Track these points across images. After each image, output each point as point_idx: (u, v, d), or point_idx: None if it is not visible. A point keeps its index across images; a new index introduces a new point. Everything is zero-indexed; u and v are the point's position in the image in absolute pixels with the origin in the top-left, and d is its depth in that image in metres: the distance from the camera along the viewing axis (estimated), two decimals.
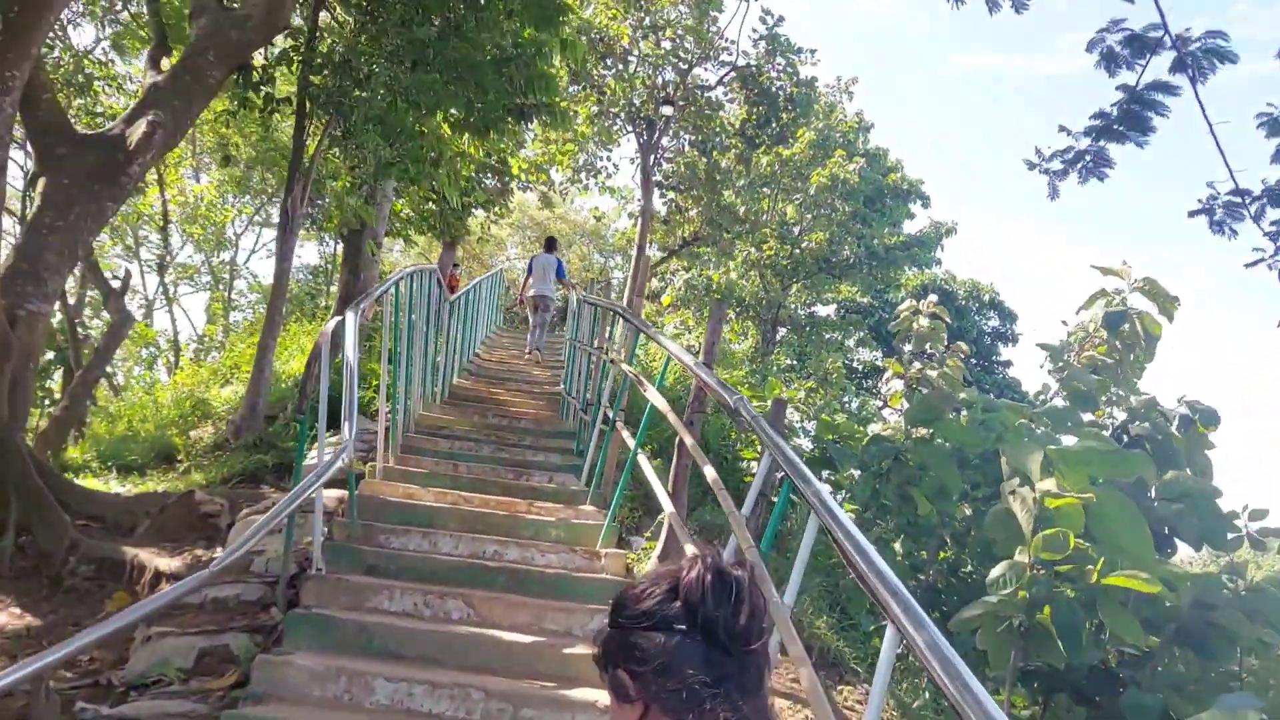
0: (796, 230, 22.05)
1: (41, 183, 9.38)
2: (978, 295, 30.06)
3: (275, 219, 23.01)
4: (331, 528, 6.44)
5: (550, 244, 16.15)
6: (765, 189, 21.05)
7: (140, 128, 9.60)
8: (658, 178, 20.64)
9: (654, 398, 6.30)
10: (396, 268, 35.71)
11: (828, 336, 24.06)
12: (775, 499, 5.18)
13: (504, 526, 6.84)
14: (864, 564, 2.94)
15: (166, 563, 7.49)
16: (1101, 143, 10.55)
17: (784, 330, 24.66)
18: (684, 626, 1.21)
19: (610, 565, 6.41)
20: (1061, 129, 9.72)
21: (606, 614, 1.33)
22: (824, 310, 27.33)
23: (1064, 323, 14.06)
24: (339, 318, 6.79)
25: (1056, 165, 10.57)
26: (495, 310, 20.01)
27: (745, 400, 4.96)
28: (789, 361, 24.82)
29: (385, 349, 8.10)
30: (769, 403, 8.46)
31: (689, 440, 5.85)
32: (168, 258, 22.59)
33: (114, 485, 9.86)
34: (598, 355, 9.46)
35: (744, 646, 1.22)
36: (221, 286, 25.02)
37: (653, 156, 20.42)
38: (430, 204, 19.32)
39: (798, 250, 22.44)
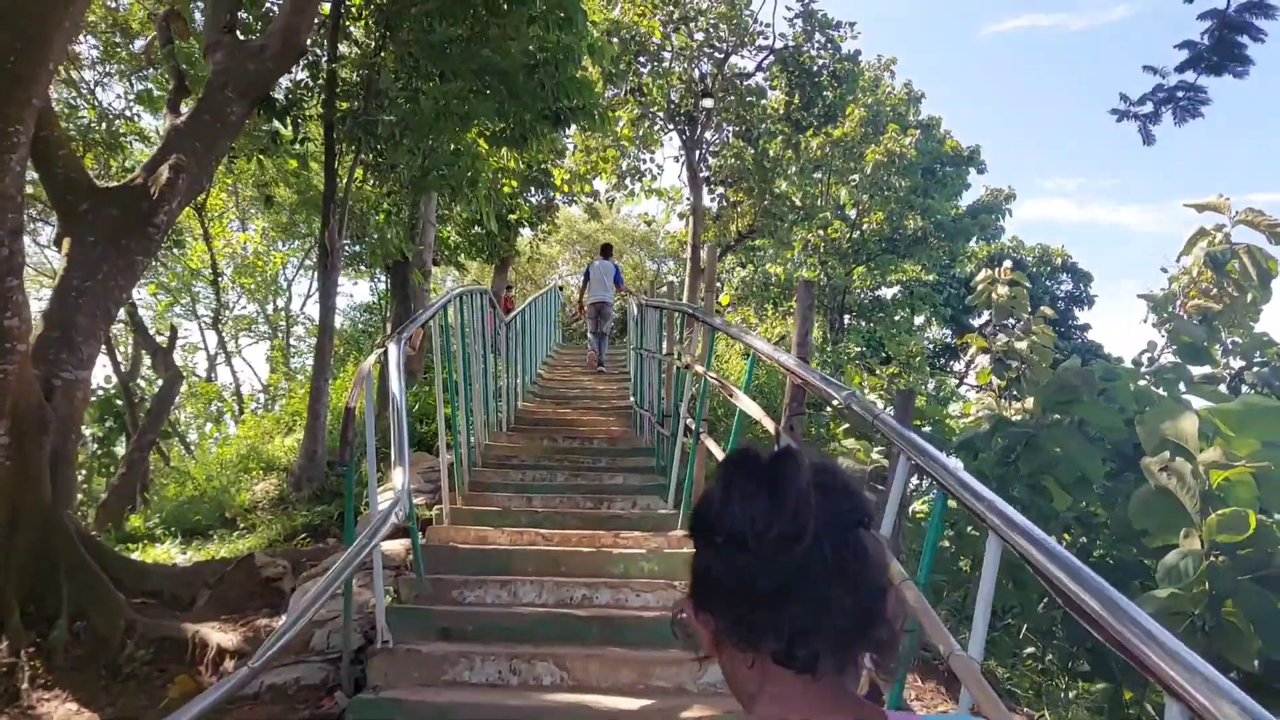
0: (855, 211, 21.04)
1: (66, 243, 8.83)
2: (1048, 260, 28.64)
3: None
4: (398, 587, 5.68)
5: (606, 250, 15.94)
6: (817, 173, 20.10)
7: (163, 174, 9.02)
8: (705, 174, 19.79)
9: (744, 403, 5.45)
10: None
11: (897, 318, 22.91)
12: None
13: (590, 565, 6.03)
14: (1111, 614, 2.03)
15: (228, 638, 6.81)
16: (1193, 76, 9.33)
17: (849, 317, 23.60)
18: (719, 538, 0.98)
19: None
20: (1147, 69, 8.61)
21: None
22: (888, 292, 26.21)
23: (1163, 270, 12.85)
24: (379, 350, 6.05)
25: (1147, 108, 9.49)
26: (553, 327, 19.29)
27: (858, 395, 4.08)
28: (859, 349, 23.78)
29: (440, 379, 7.34)
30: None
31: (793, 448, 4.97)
32: (222, 311, 22.26)
33: (176, 553, 9.27)
34: (669, 362, 8.63)
35: (794, 559, 0.93)
36: (280, 334, 24.69)
37: (698, 152, 19.58)
38: (476, 227, 18.74)
39: (858, 232, 21.44)
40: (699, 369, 6.74)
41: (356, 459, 5.00)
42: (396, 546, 6.32)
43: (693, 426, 6.84)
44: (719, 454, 6.12)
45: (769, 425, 5.21)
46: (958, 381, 24.99)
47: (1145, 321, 12.99)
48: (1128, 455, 8.60)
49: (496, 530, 6.61)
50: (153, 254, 9.41)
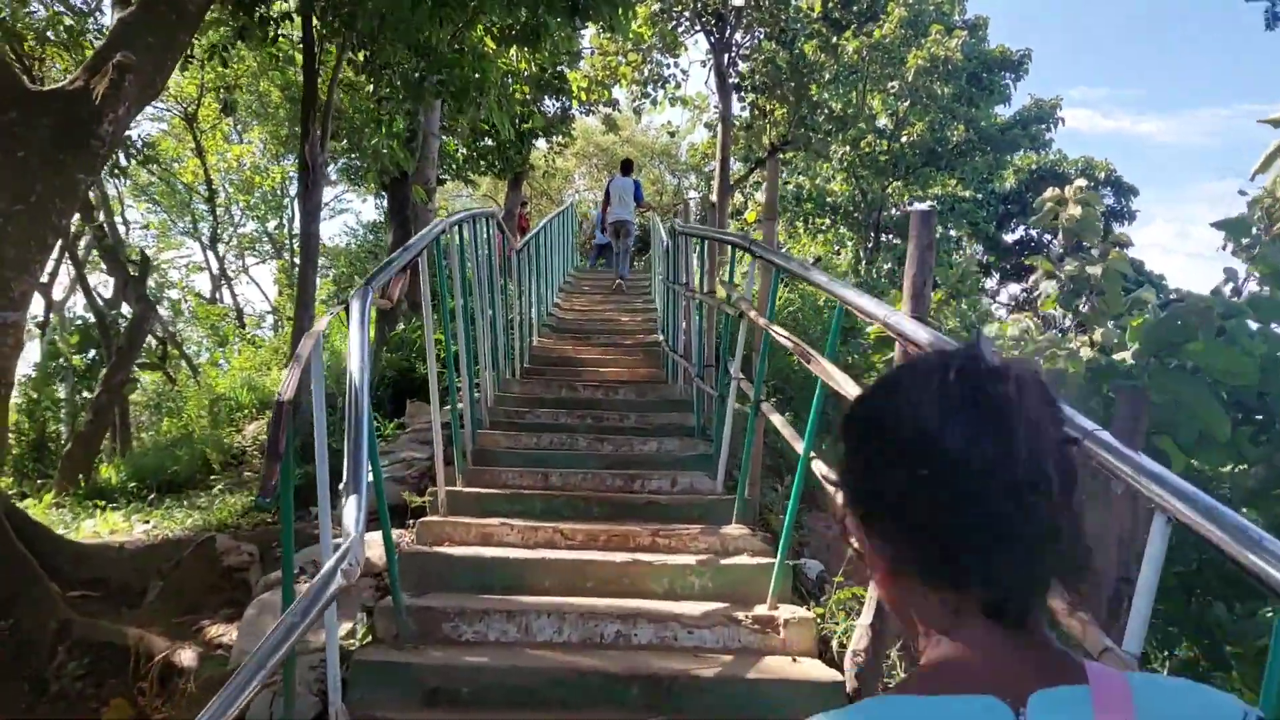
0: (891, 121, 19.10)
1: None
2: (1091, 173, 26.55)
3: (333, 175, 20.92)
4: (374, 618, 4.24)
5: (626, 166, 15.38)
6: (854, 79, 18.10)
7: (107, 75, 7.36)
8: (734, 80, 17.83)
9: (832, 375, 3.90)
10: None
11: (940, 243, 21.10)
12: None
13: (624, 579, 4.57)
14: None
15: (177, 651, 5.43)
16: None
17: (887, 235, 21.82)
18: (921, 464, 0.79)
19: (795, 640, 4.09)
20: None
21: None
22: (920, 208, 24.24)
23: (1241, 192, 11.16)
24: (336, 308, 4.51)
25: None
26: (571, 249, 17.64)
27: (1099, 431, 2.55)
28: (889, 265, 22.04)
29: (429, 335, 5.80)
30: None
31: None
32: (219, 230, 20.62)
33: (137, 522, 7.88)
34: (712, 304, 7.06)
35: (1016, 494, 0.77)
36: (283, 254, 23.08)
37: (726, 56, 17.56)
38: (486, 139, 16.96)
39: (896, 143, 19.53)
40: (759, 319, 5.18)
41: (293, 474, 3.48)
42: (376, 548, 4.86)
43: (749, 392, 5.30)
44: (785, 430, 4.61)
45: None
46: (1012, 307, 23.28)
47: (1224, 248, 11.23)
48: (1251, 406, 7.05)
49: (505, 524, 5.14)
50: (97, 171, 7.82)
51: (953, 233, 22.95)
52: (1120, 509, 3.35)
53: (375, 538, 4.51)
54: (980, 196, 23.30)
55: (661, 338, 9.84)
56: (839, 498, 0.92)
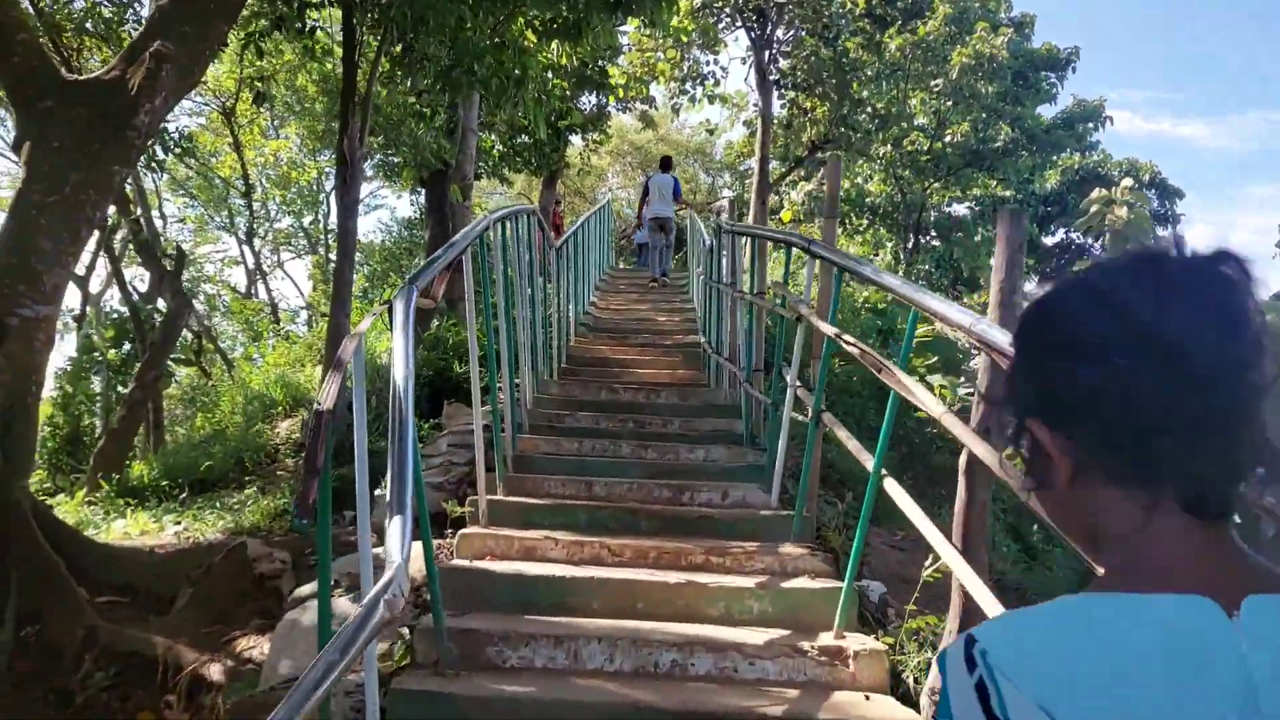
0: (933, 120, 18.65)
1: (26, 149, 7.07)
2: (1136, 175, 25.94)
3: (369, 171, 20.76)
4: (413, 639, 3.96)
5: (666, 163, 15.41)
6: (896, 77, 17.68)
7: (144, 65, 7.16)
8: (775, 77, 17.46)
9: (910, 389, 3.57)
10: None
11: (976, 238, 20.59)
12: None
13: (678, 602, 4.26)
14: None
15: (207, 664, 5.19)
16: None
17: (926, 236, 21.36)
18: (1128, 350, 0.76)
19: (866, 674, 3.77)
20: None
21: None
22: (959, 208, 23.78)
23: None
24: (378, 309, 4.23)
25: None
26: (606, 248, 17.34)
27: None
28: (926, 268, 21.59)
29: (472, 333, 5.52)
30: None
31: (989, 458, 3.10)
32: (255, 224, 20.48)
33: (168, 523, 7.66)
34: (764, 305, 6.72)
35: (1229, 381, 0.74)
36: (319, 249, 22.96)
37: (767, 53, 17.19)
38: (524, 135, 16.70)
39: (939, 143, 19.06)
40: (821, 324, 4.84)
41: (330, 489, 3.20)
42: (415, 560, 4.58)
43: (806, 401, 4.98)
44: (850, 443, 4.29)
45: (956, 429, 3.33)
46: None
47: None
48: None
49: (548, 536, 4.85)
50: (133, 162, 7.61)
51: (992, 234, 22.44)
52: None
53: (414, 549, 4.24)
54: (1020, 197, 22.79)
55: (702, 339, 9.53)
56: (1011, 408, 0.87)
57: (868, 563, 5.14)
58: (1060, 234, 29.65)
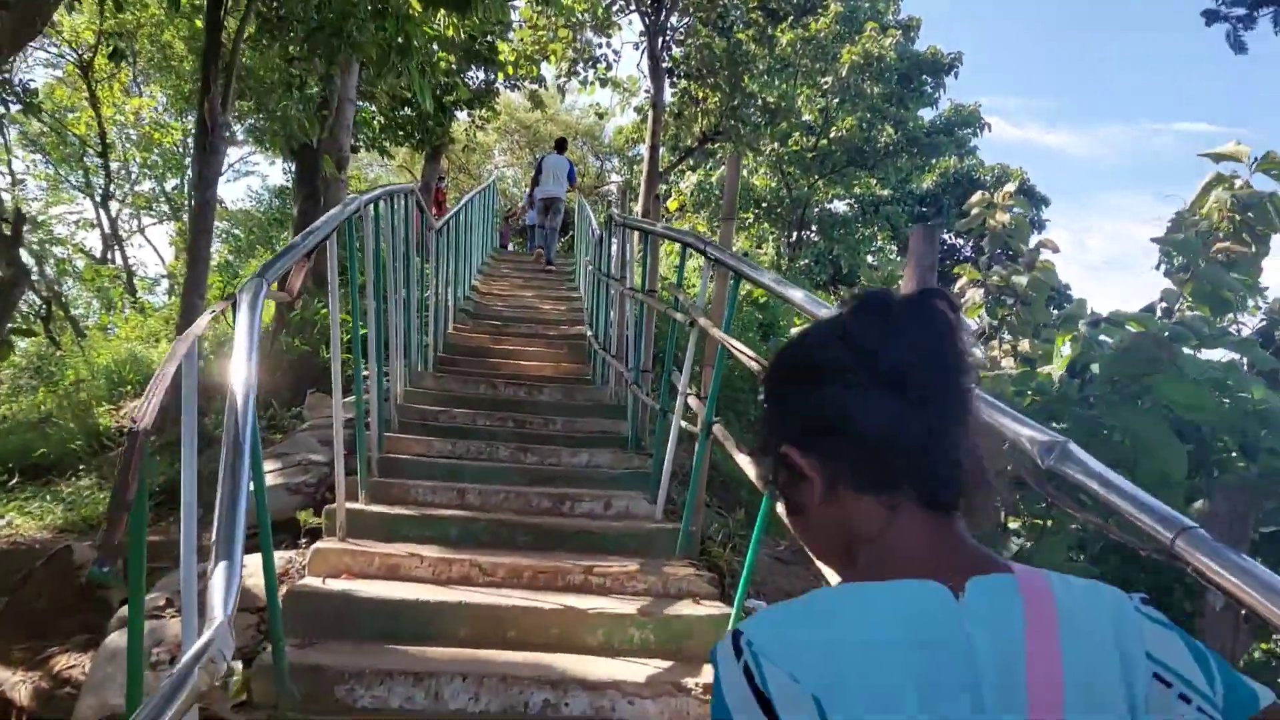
0: (820, 118, 18.67)
1: None
2: (1006, 181, 26.70)
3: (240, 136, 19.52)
4: (254, 674, 3.47)
5: (561, 145, 15.56)
6: (786, 72, 17.59)
7: None
8: (667, 64, 17.14)
9: None
10: (377, 186, 31.88)
11: (858, 236, 20.81)
12: None
13: (553, 629, 3.89)
14: None
15: (18, 686, 4.56)
16: None
17: (808, 232, 21.45)
18: (860, 376, 0.92)
19: None
20: None
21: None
22: (840, 206, 24.01)
23: (1178, 215, 11.06)
24: (216, 307, 3.70)
25: (1240, 11, 8.07)
26: (490, 229, 16.75)
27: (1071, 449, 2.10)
28: (806, 262, 21.70)
29: (335, 319, 5.01)
30: None
31: None
32: (112, 187, 19.04)
33: None
34: (656, 306, 6.37)
35: (944, 396, 0.91)
36: (181, 216, 21.53)
37: (661, 39, 16.87)
38: (406, 108, 15.94)
39: (824, 141, 19.11)
40: (715, 331, 4.53)
41: (145, 530, 2.69)
42: (256, 577, 4.06)
43: (698, 411, 4.67)
44: (739, 456, 4.00)
45: None
46: None
47: (1157, 269, 11.06)
48: (1202, 442, 6.74)
49: (413, 553, 4.40)
50: None
51: (871, 232, 22.69)
52: (1218, 623, 2.82)
53: (256, 562, 3.75)
54: (898, 197, 23.13)
55: (589, 332, 9.16)
56: (763, 443, 1.00)
57: (761, 579, 4.88)
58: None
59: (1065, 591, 0.88)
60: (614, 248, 8.25)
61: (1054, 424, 7.00)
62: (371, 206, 5.67)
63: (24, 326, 13.09)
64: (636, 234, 7.22)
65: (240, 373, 2.81)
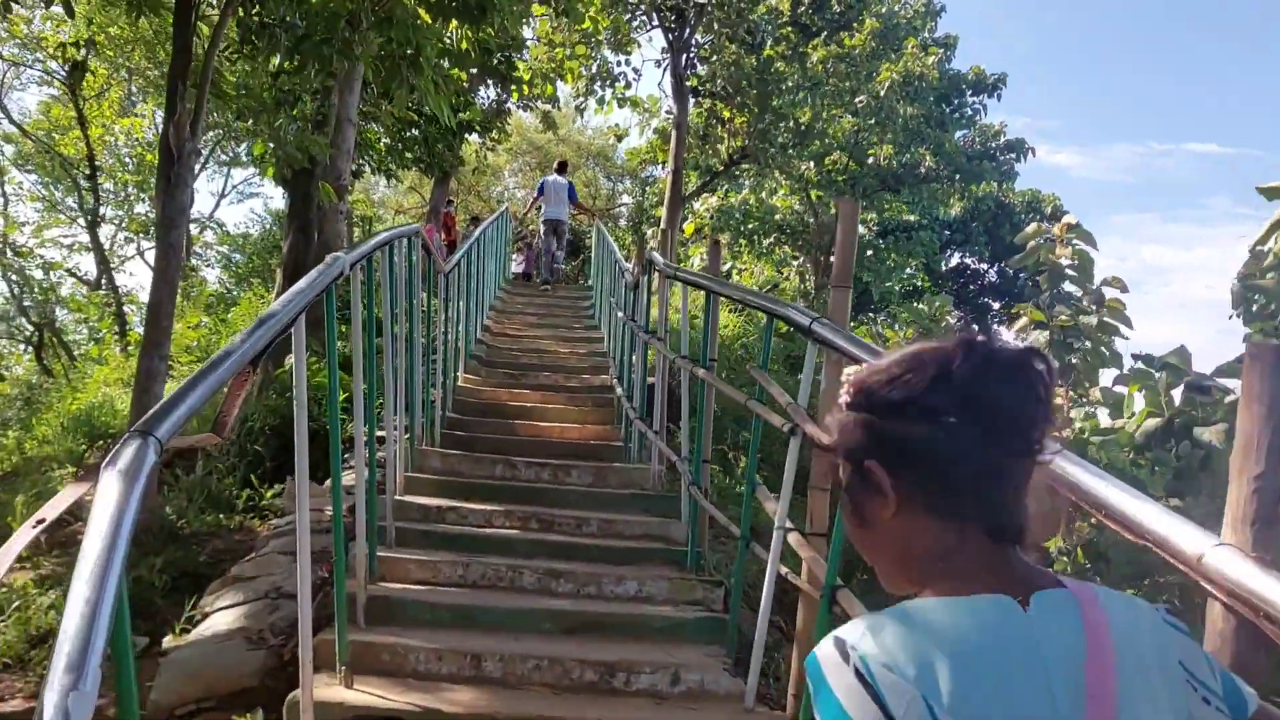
0: (854, 140, 17.29)
1: None
2: (1038, 207, 25.31)
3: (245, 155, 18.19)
4: None
5: (562, 167, 15.20)
6: (818, 91, 16.22)
7: None
8: (691, 82, 15.80)
9: None
10: (384, 215, 30.34)
11: (889, 263, 19.39)
12: None
13: None
14: None
15: None
16: None
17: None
18: (956, 417, 0.98)
19: None
20: None
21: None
22: (862, 231, 22.57)
23: (1254, 254, 9.67)
24: (83, 487, 2.29)
25: None
26: (503, 261, 15.37)
27: None
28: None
29: (301, 409, 3.58)
30: None
31: None
32: (105, 210, 17.70)
33: None
34: (728, 392, 4.91)
35: (1027, 446, 0.99)
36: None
37: (685, 57, 15.55)
38: (414, 129, 14.60)
39: (855, 164, 17.73)
40: (821, 436, 3.12)
41: None
42: None
43: (803, 555, 3.25)
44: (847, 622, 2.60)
45: None
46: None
47: (1233, 317, 9.53)
48: None
49: None
50: None
51: (903, 260, 21.27)
52: None
53: None
54: (925, 222, 21.76)
55: (618, 390, 7.75)
56: (863, 452, 1.02)
57: None
58: (956, 258, 29.07)
59: (1111, 604, 0.96)
60: (649, 294, 6.87)
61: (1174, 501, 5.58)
62: (365, 261, 4.28)
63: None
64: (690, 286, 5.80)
65: (86, 590, 1.41)
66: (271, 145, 7.92)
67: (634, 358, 7.27)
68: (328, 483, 5.98)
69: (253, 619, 4.31)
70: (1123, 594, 0.99)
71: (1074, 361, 8.50)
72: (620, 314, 8.32)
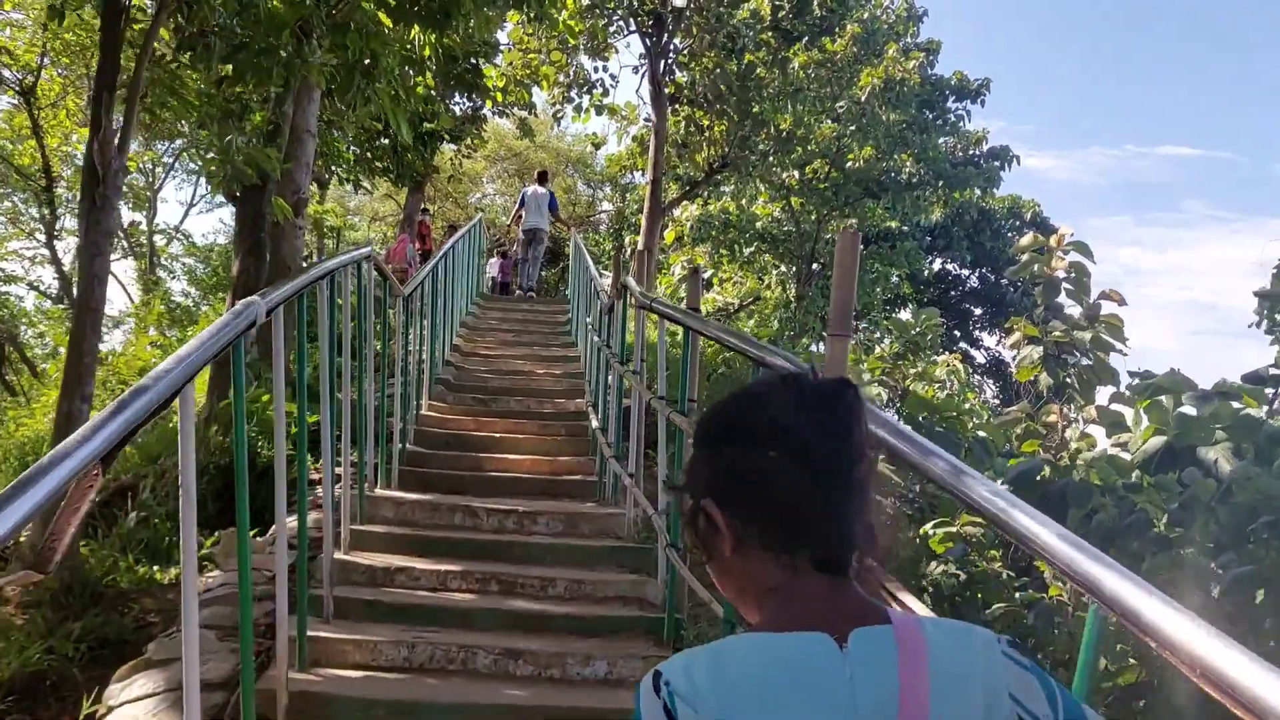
0: (835, 146, 16.78)
1: None
2: (1018, 213, 24.93)
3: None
4: None
5: (543, 177, 15.58)
6: (798, 97, 15.69)
7: None
8: (670, 89, 15.24)
9: None
10: (358, 224, 29.48)
11: (872, 275, 18.87)
12: None
13: None
14: None
15: None
16: None
17: (819, 264, 19.53)
18: (775, 450, 1.01)
19: None
20: None
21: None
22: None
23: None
24: None
25: None
26: (476, 274, 14.76)
27: None
28: (812, 295, 19.72)
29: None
30: None
31: None
32: (65, 221, 16.95)
33: None
34: (688, 430, 4.39)
35: (843, 474, 1.02)
36: (139, 255, 19.43)
37: (663, 63, 14.98)
38: (383, 138, 14.01)
39: (836, 172, 17.23)
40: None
41: None
42: None
43: None
44: None
45: None
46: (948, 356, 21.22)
47: (1257, 325, 9.08)
48: None
49: None
50: None
51: (886, 270, 20.76)
52: None
53: None
54: (906, 229, 21.29)
55: (593, 421, 7.18)
56: (703, 490, 1.06)
57: None
58: (938, 264, 28.68)
59: (938, 636, 0.96)
60: (624, 322, 6.32)
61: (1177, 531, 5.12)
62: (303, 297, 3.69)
63: None
64: (666, 319, 5.23)
65: None
66: (218, 158, 7.30)
67: (609, 379, 6.71)
68: (272, 530, 5.41)
69: (164, 716, 3.71)
70: (957, 624, 1.00)
71: (1068, 379, 7.98)
72: (595, 338, 7.75)
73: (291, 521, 3.99)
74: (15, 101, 16.63)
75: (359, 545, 5.04)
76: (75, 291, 5.85)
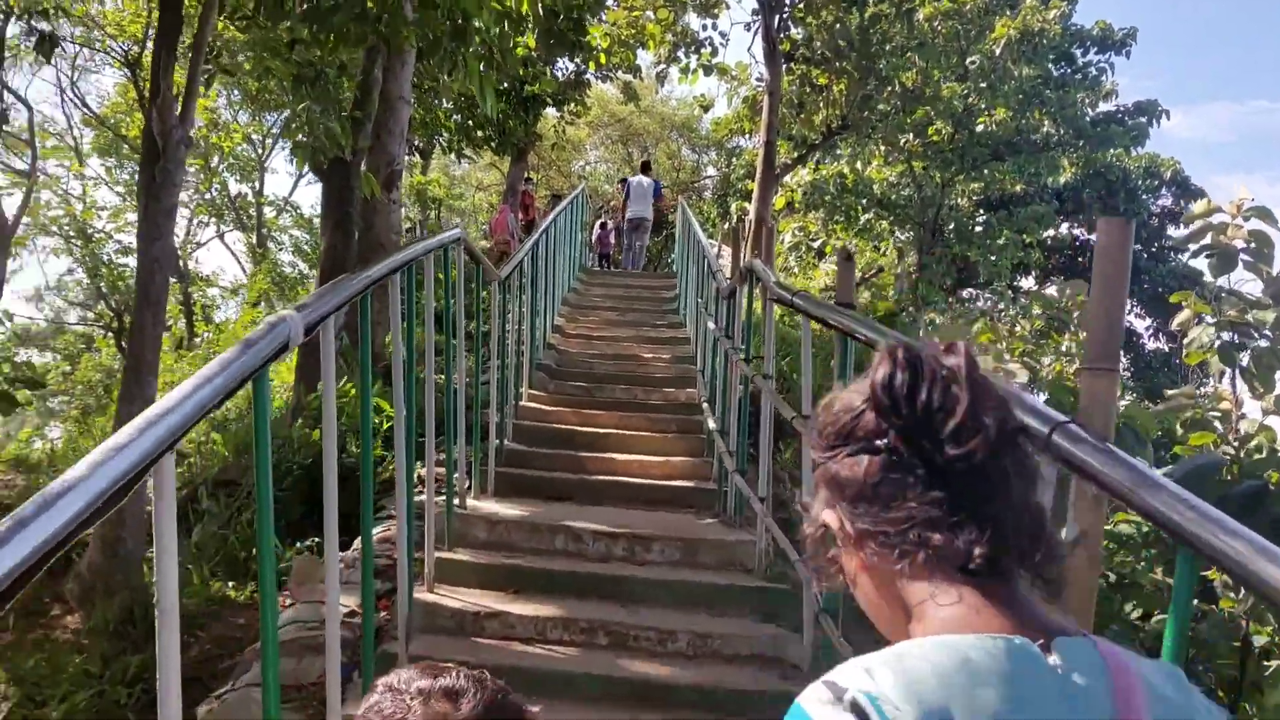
0: (963, 105, 15.32)
1: None
2: (1156, 172, 22.74)
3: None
4: None
5: (646, 167, 15.86)
6: (923, 51, 14.29)
7: None
8: (785, 47, 14.04)
9: None
10: (464, 192, 29.09)
11: (1000, 240, 17.35)
12: None
13: None
14: None
15: None
16: None
17: (947, 232, 18.10)
18: (882, 441, 0.86)
19: None
20: None
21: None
22: (962, 202, 20.50)
23: None
24: None
25: None
26: (579, 248, 13.94)
27: None
28: (940, 268, 18.33)
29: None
30: None
31: None
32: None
33: None
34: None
35: (961, 453, 0.83)
36: (249, 227, 19.28)
37: (778, 18, 13.77)
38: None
39: (965, 132, 15.76)
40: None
41: None
42: None
43: None
44: None
45: None
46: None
47: None
48: None
49: None
50: None
51: (1013, 236, 19.15)
52: None
53: None
54: (1032, 191, 19.59)
55: (710, 423, 6.26)
56: (824, 504, 0.92)
57: None
58: (1065, 229, 26.67)
59: (1144, 669, 0.82)
60: (749, 314, 5.37)
61: None
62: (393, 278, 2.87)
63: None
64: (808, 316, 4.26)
65: None
66: (299, 128, 6.60)
67: (729, 378, 5.79)
68: (355, 545, 4.71)
69: None
70: (1153, 660, 0.86)
71: (1245, 363, 6.69)
72: (711, 324, 6.81)
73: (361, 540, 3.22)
74: (125, 74, 16.55)
75: (445, 577, 4.26)
76: (136, 276, 5.20)
